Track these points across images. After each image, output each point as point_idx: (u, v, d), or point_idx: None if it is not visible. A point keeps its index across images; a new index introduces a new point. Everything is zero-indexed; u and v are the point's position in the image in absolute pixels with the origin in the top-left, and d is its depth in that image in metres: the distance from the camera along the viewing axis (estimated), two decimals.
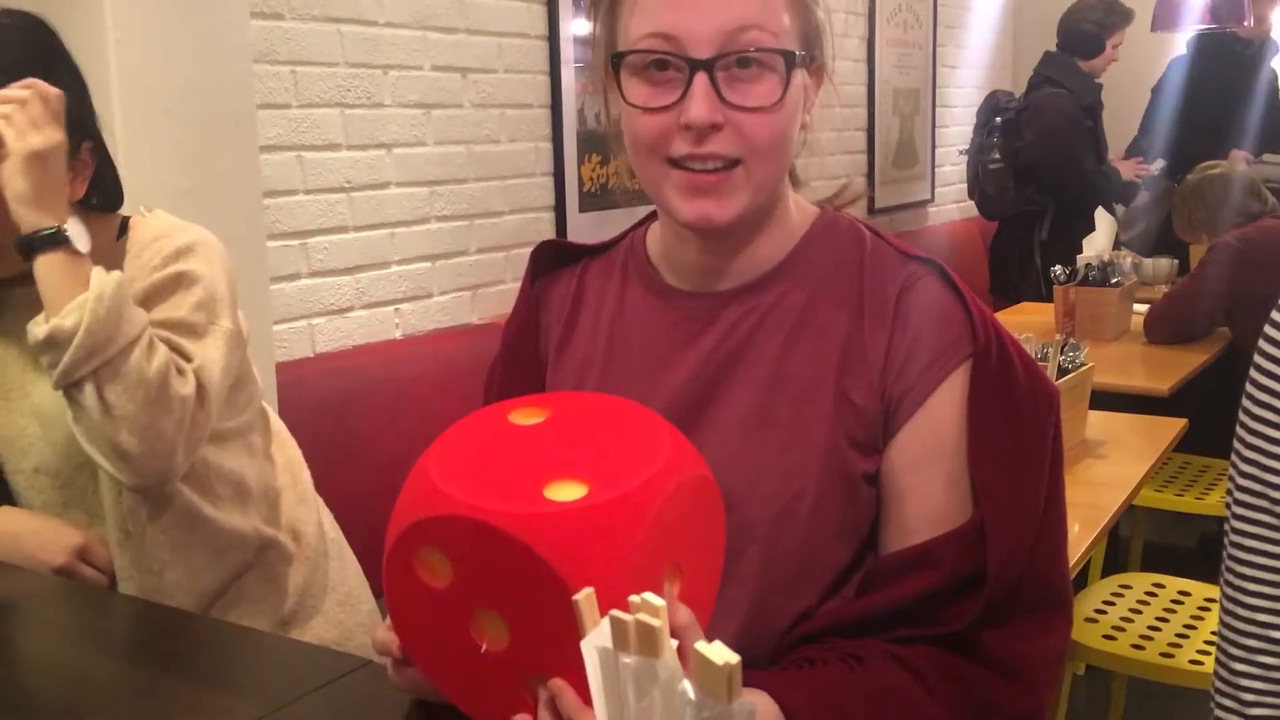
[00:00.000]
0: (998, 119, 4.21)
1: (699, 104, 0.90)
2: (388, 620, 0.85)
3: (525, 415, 0.84)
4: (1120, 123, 5.12)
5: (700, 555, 0.82)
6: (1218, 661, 0.90)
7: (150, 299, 1.31)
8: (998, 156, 4.18)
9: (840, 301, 0.99)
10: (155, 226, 1.39)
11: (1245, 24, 4.09)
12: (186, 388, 1.26)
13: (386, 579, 0.79)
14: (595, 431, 0.83)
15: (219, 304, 1.36)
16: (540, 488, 0.75)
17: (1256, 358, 0.85)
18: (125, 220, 1.42)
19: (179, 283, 1.33)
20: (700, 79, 0.91)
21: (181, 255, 1.35)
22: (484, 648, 0.75)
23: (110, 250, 1.38)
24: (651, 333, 1.05)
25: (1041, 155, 4.12)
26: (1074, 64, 4.19)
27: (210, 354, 1.31)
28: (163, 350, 1.25)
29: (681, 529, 0.78)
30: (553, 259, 1.14)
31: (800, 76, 0.96)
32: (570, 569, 0.71)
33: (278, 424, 1.57)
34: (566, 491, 0.74)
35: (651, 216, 1.10)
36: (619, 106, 0.98)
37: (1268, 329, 0.85)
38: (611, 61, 0.96)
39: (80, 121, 1.33)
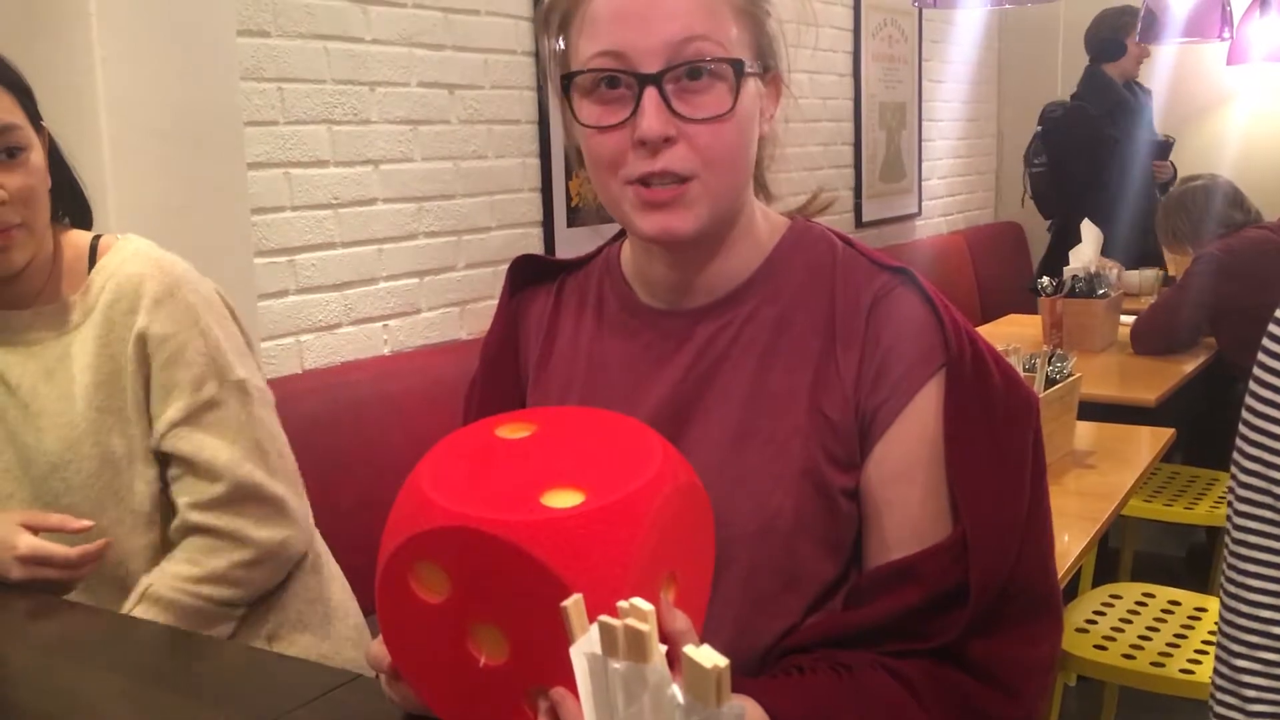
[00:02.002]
0: (1039, 127, 4.50)
1: (650, 118, 0.90)
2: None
3: (512, 430, 0.84)
4: None
5: (693, 562, 0.82)
6: (1218, 659, 0.90)
7: (157, 399, 1.36)
8: (1038, 161, 4.50)
9: (813, 315, 0.99)
10: (125, 262, 1.38)
11: (1221, 38, 4.13)
12: (243, 553, 1.37)
13: (380, 597, 0.78)
14: (585, 441, 0.83)
15: (219, 363, 1.37)
16: (537, 496, 0.74)
17: (1260, 355, 0.86)
18: (95, 242, 1.42)
19: (174, 370, 1.35)
20: (650, 93, 0.90)
21: (159, 316, 1.35)
22: (483, 662, 0.74)
23: (78, 275, 1.39)
24: (628, 352, 1.04)
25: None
26: (1100, 72, 4.38)
27: (237, 464, 1.37)
28: (205, 578, 1.36)
29: (676, 535, 0.78)
30: (530, 274, 1.14)
31: (753, 86, 0.96)
32: (572, 574, 0.70)
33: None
34: (563, 499, 0.73)
35: (625, 232, 1.10)
36: (576, 127, 0.97)
37: (1272, 327, 0.86)
38: (562, 83, 0.96)
39: (34, 111, 1.36)
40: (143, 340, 1.34)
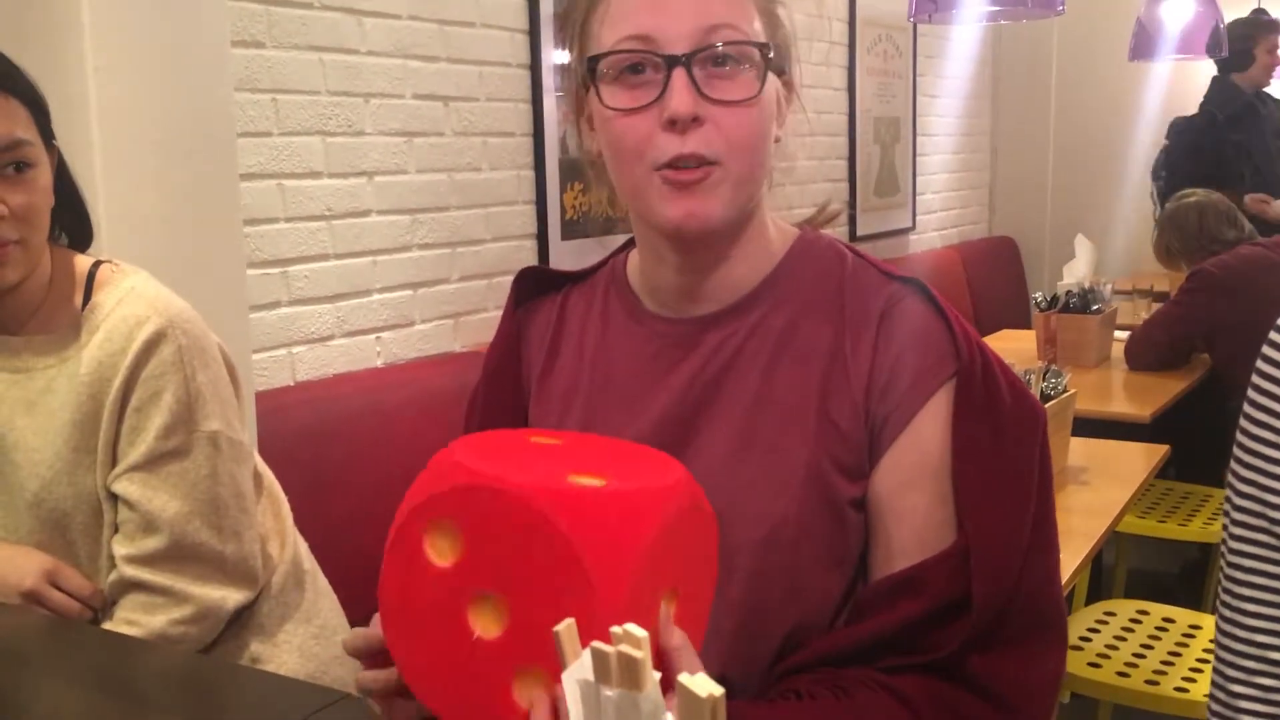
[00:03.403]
0: (1165, 140, 4.66)
1: (680, 96, 0.90)
2: (373, 622, 0.83)
3: (544, 439, 0.86)
4: (1098, 145, 5.17)
5: (696, 585, 0.82)
6: (1214, 684, 0.89)
7: (125, 441, 1.33)
8: (1164, 174, 4.65)
9: (821, 323, 0.98)
10: (122, 302, 1.35)
11: (1219, 54, 4.15)
12: (182, 609, 1.34)
13: (388, 559, 0.78)
14: (611, 453, 0.84)
15: (195, 412, 1.34)
16: (563, 475, 0.75)
17: (1255, 378, 0.85)
18: (93, 272, 1.39)
19: (146, 415, 1.32)
20: (679, 74, 0.91)
21: (146, 367, 1.32)
22: (475, 635, 0.74)
23: (74, 306, 1.36)
24: (634, 361, 1.04)
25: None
26: (1228, 80, 4.45)
27: (185, 519, 1.33)
28: (146, 625, 1.33)
29: (684, 553, 0.78)
30: (535, 286, 1.14)
31: (773, 81, 0.96)
32: (586, 546, 0.70)
33: (263, 468, 1.55)
34: (588, 480, 0.74)
35: (631, 243, 1.09)
36: (590, 127, 0.98)
37: (1266, 349, 0.85)
38: (588, 67, 0.95)
39: (47, 128, 1.34)
40: (127, 383, 1.31)
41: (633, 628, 0.52)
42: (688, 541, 0.78)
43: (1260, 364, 0.85)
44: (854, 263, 1.02)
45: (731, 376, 0.99)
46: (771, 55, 0.94)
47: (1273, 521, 0.84)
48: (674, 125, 0.91)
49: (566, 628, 0.55)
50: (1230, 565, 0.87)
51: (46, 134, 1.33)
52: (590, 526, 0.71)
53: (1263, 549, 0.84)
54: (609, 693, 0.52)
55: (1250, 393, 0.85)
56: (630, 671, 0.51)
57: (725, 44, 0.91)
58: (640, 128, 0.92)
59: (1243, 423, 0.85)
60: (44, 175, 1.32)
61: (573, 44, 1.00)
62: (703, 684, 0.49)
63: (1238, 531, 0.86)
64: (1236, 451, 0.86)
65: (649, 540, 0.72)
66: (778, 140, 1.00)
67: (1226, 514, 0.88)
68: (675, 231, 0.96)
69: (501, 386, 1.12)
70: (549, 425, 1.07)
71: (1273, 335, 0.85)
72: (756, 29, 0.94)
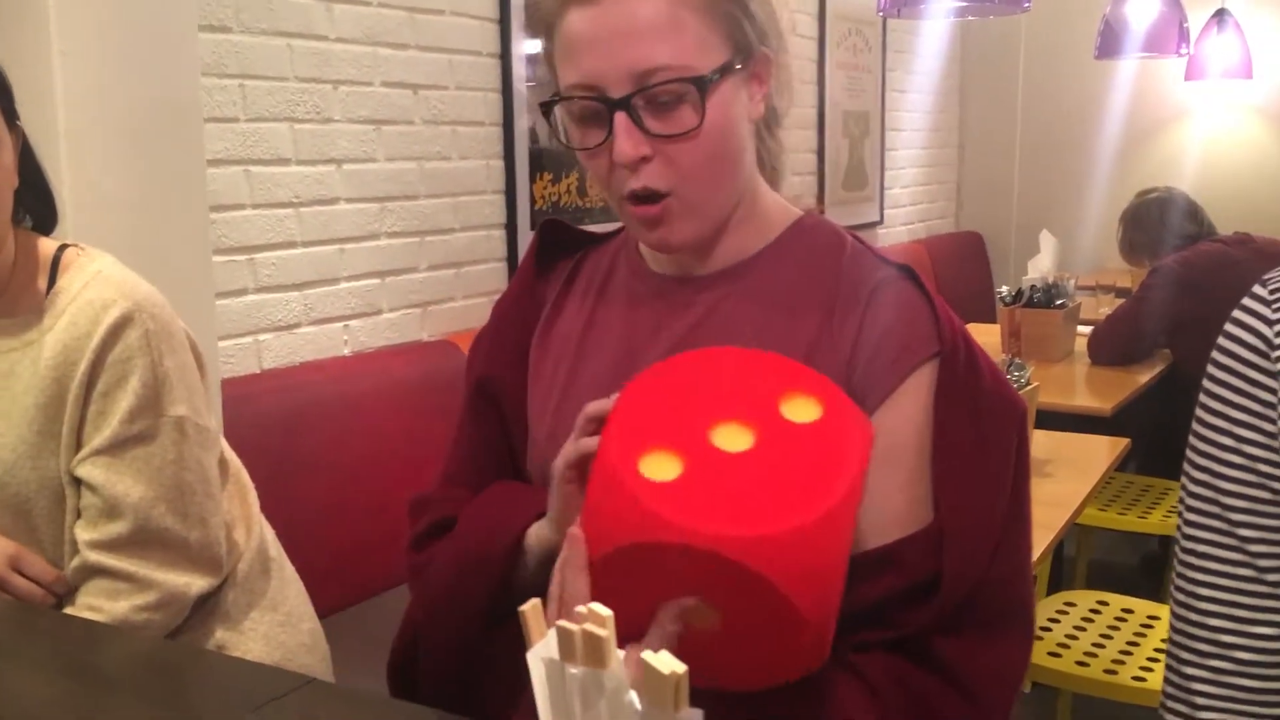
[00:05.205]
0: None
1: (622, 141, 0.95)
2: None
3: (730, 439, 0.85)
4: (1064, 142, 5.20)
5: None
6: (1168, 667, 0.91)
7: (90, 425, 1.31)
8: None
9: (815, 294, 1.02)
10: (87, 286, 1.34)
11: (1179, 54, 4.19)
12: (145, 596, 1.33)
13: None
14: (796, 450, 0.85)
15: (161, 397, 1.33)
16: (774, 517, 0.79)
17: (1209, 369, 0.87)
18: (58, 256, 1.37)
19: (112, 399, 1.31)
20: (619, 118, 0.95)
21: (110, 349, 1.31)
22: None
23: (38, 289, 1.35)
24: (631, 313, 1.08)
25: None
26: None
27: (149, 504, 1.32)
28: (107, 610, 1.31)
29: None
30: (556, 244, 1.18)
31: (729, 88, 0.98)
32: (794, 588, 0.77)
33: (229, 455, 1.54)
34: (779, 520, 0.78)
35: None
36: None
37: (1220, 341, 0.87)
38: (542, 109, 1.01)
39: (10, 109, 1.33)
40: (93, 367, 1.30)
41: (598, 607, 0.53)
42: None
43: (1215, 355, 0.87)
44: (853, 245, 1.06)
45: (721, 337, 1.01)
46: (715, 78, 0.95)
47: (1224, 508, 0.86)
48: (624, 167, 0.96)
49: (532, 608, 0.56)
50: (1185, 551, 0.89)
51: (9, 115, 1.32)
52: (793, 570, 0.77)
53: (1215, 534, 0.87)
54: (573, 670, 0.53)
55: (1205, 383, 0.88)
56: (594, 649, 0.52)
57: (657, 86, 0.94)
58: (602, 165, 0.99)
59: (1197, 412, 0.88)
60: (5, 156, 1.30)
61: (544, 61, 1.03)
62: (666, 661, 0.49)
63: (1191, 518, 0.88)
64: (1191, 440, 0.88)
65: (844, 556, 0.82)
66: (759, 118, 1.03)
67: (1181, 501, 0.90)
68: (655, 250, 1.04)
69: (507, 330, 1.16)
70: (545, 370, 1.12)
71: (1227, 327, 0.87)
72: (699, 46, 0.95)
